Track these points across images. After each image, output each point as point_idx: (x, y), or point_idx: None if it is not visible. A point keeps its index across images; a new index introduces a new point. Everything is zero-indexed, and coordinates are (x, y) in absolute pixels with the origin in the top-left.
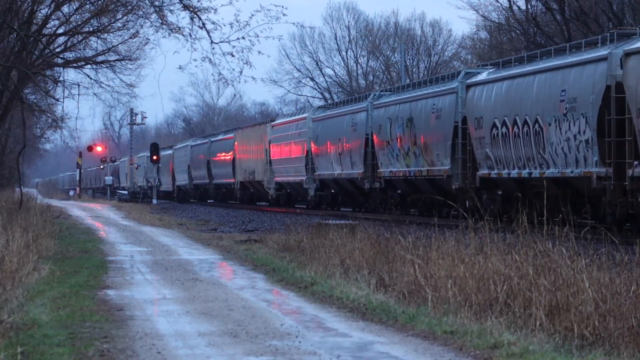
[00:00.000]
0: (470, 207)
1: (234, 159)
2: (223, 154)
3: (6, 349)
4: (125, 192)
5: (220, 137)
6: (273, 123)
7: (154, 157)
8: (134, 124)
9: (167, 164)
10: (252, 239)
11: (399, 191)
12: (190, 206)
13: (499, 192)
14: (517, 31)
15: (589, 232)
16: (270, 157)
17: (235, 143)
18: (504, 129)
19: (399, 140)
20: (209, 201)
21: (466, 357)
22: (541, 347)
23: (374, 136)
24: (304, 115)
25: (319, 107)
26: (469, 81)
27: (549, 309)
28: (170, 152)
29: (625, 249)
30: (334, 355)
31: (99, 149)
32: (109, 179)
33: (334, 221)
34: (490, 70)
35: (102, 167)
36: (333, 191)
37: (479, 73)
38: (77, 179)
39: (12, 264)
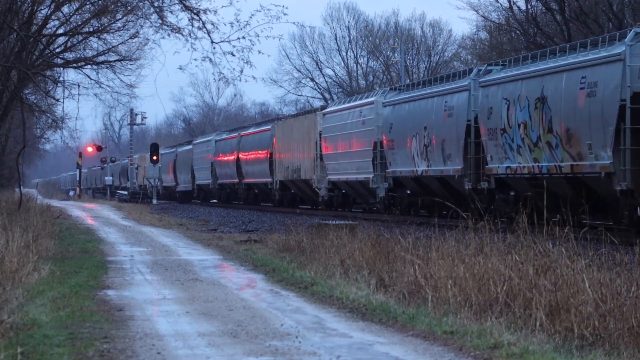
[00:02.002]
0: None
1: (271, 155)
2: (257, 148)
3: (6, 349)
4: (125, 192)
5: (252, 129)
6: (326, 110)
7: (154, 157)
8: (134, 124)
9: (186, 161)
10: (252, 239)
11: (512, 193)
12: (191, 206)
13: None
14: (517, 31)
15: (588, 232)
16: (321, 151)
17: (274, 136)
18: None
19: (522, 127)
20: (234, 202)
21: (466, 357)
22: (541, 348)
23: (480, 122)
24: (370, 99)
25: (390, 89)
26: None
27: (549, 309)
28: (189, 147)
29: (625, 249)
30: (334, 356)
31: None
32: (109, 179)
33: (334, 221)
34: None
35: (102, 167)
36: (409, 192)
37: None
38: (77, 179)
39: (12, 264)
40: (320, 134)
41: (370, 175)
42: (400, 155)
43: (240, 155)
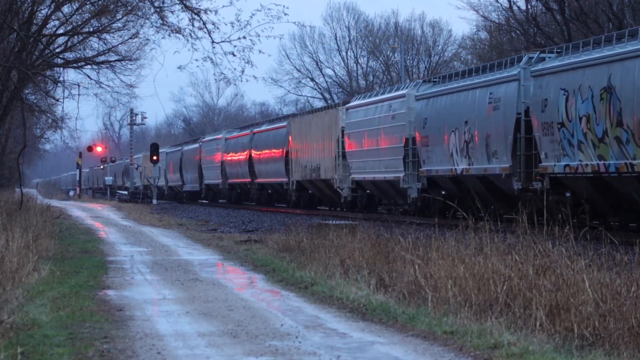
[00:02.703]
0: None
1: (287, 153)
2: (271, 147)
3: (6, 349)
4: (125, 192)
5: (266, 126)
6: (349, 105)
7: (154, 157)
8: (134, 124)
9: (191, 160)
10: (252, 239)
11: (569, 194)
12: (190, 206)
13: None
14: (517, 31)
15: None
16: (343, 148)
17: (290, 133)
18: None
19: (584, 120)
20: (245, 203)
21: (466, 358)
22: (541, 348)
23: (532, 116)
24: (401, 91)
25: (424, 82)
26: None
27: (549, 309)
28: (195, 145)
29: (625, 249)
30: (334, 356)
31: (99, 149)
32: (109, 179)
33: (334, 221)
34: None
35: (102, 167)
36: (445, 192)
37: None
38: (77, 179)
39: (12, 264)
40: (342, 131)
41: (401, 175)
42: (436, 153)
43: (253, 154)
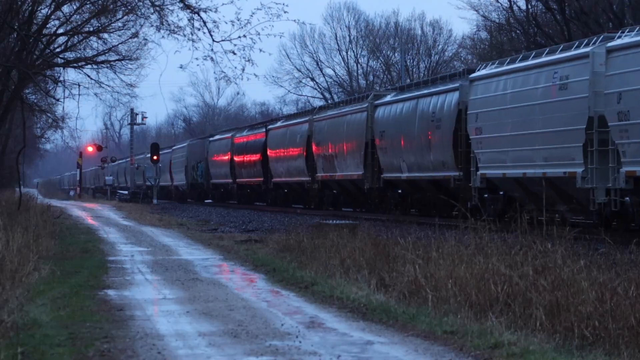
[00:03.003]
0: None
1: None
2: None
3: (6, 349)
4: (126, 192)
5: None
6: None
7: (154, 157)
8: (135, 124)
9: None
10: (252, 239)
11: None
12: (191, 206)
13: None
14: (518, 31)
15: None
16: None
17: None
18: None
19: None
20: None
21: (466, 357)
22: (541, 347)
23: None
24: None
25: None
26: None
27: (549, 309)
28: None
29: (625, 249)
30: (334, 356)
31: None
32: (109, 179)
33: (334, 221)
34: None
35: (102, 167)
36: None
37: None
38: (77, 178)
39: (12, 264)
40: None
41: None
42: None
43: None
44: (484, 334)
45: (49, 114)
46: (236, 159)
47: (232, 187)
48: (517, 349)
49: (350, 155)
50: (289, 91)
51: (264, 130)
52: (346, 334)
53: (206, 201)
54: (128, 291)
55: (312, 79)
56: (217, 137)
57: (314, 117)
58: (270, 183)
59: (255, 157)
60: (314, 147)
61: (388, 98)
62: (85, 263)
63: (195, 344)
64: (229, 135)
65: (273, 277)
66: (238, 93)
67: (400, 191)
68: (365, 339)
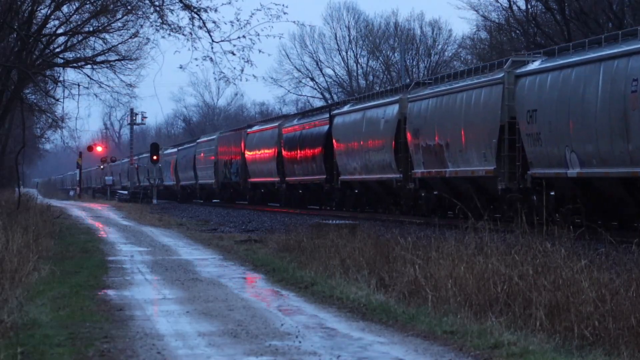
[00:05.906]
0: None
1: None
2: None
3: (6, 349)
4: (125, 192)
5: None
6: (412, 96)
7: (154, 157)
8: (134, 124)
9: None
10: (252, 239)
11: None
12: (191, 206)
13: None
14: (517, 31)
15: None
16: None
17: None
18: None
19: None
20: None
21: (466, 357)
22: (541, 347)
23: None
24: None
25: None
26: None
27: (549, 309)
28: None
29: (624, 249)
30: (334, 356)
31: (99, 149)
32: (109, 178)
33: (334, 221)
34: None
35: (102, 167)
36: None
37: None
38: (77, 178)
39: (12, 264)
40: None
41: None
42: None
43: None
44: (484, 334)
45: (48, 114)
46: (285, 152)
47: (280, 187)
48: (517, 349)
49: (473, 144)
50: (288, 91)
51: (327, 116)
52: (346, 334)
53: (238, 202)
54: (128, 291)
55: (312, 79)
56: (256, 127)
57: (409, 95)
58: (337, 182)
59: (314, 150)
60: (408, 136)
61: (536, 64)
62: (85, 263)
63: (195, 344)
64: (274, 124)
65: (273, 277)
66: (236, 94)
67: (555, 194)
68: (365, 339)
